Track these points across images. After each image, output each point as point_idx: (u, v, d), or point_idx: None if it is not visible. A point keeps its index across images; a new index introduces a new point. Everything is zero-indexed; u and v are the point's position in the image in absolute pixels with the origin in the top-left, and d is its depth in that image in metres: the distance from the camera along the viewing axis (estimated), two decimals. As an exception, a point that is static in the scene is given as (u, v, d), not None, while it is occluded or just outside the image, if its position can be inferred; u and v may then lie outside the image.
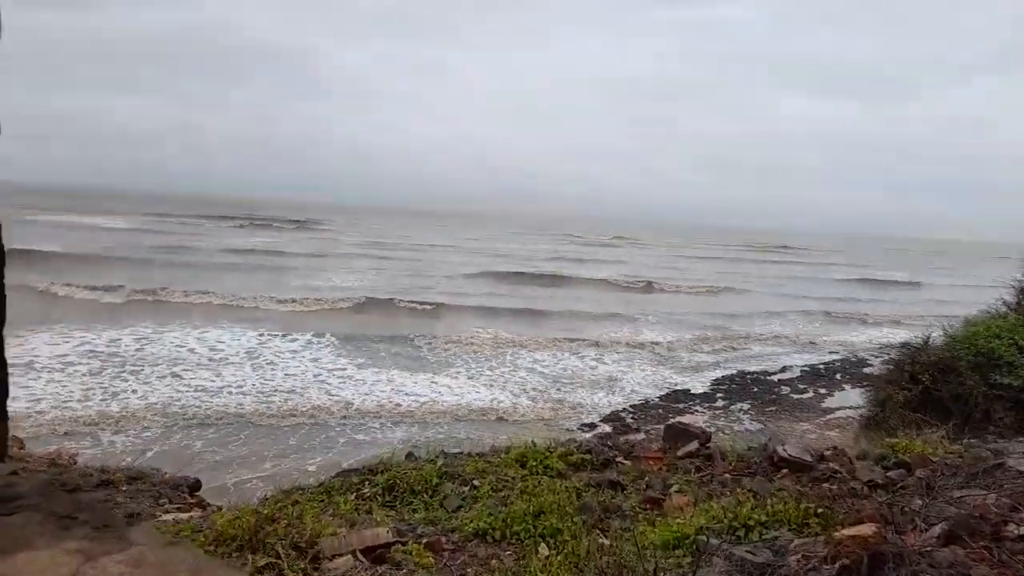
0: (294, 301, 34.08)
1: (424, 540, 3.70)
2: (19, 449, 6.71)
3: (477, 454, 5.09)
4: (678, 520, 3.43)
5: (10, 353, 5.02)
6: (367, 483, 4.64)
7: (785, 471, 4.44)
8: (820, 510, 3.23)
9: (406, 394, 19.50)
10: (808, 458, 4.49)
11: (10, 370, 5.06)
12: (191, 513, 4.56)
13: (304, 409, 17.57)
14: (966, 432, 10.69)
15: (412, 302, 34.51)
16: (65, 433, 14.91)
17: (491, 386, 21.26)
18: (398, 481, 4.49)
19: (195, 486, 5.35)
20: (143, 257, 46.11)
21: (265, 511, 3.90)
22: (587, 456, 4.80)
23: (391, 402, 18.68)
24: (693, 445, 4.94)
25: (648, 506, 4.03)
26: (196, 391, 18.44)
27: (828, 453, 4.66)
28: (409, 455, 5.22)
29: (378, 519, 4.05)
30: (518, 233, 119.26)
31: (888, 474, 3.98)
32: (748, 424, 19.27)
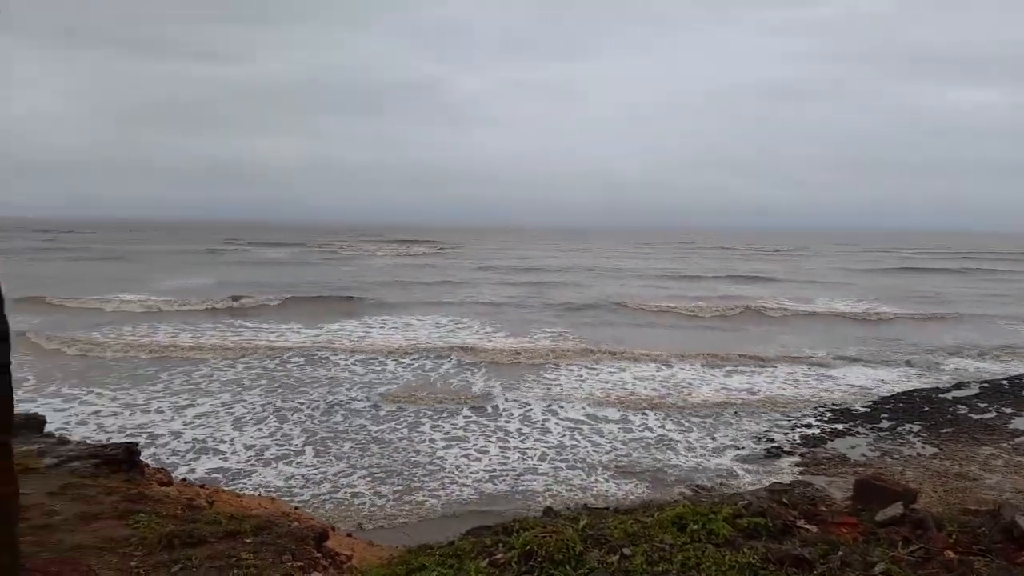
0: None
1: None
2: (159, 486, 6.76)
3: (625, 511, 4.40)
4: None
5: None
6: (501, 545, 4.10)
7: (1031, 550, 3.43)
8: None
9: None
10: (1063, 533, 3.45)
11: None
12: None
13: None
14: None
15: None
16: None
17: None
18: (536, 547, 3.91)
19: (322, 536, 5.04)
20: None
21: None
22: (760, 520, 3.98)
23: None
24: (896, 509, 3.98)
25: (849, 595, 3.18)
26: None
27: (1088, 525, 3.58)
28: (547, 511, 4.63)
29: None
30: (676, 248, 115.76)
31: None
32: (920, 448, 17.23)
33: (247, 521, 4.92)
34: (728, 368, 25.30)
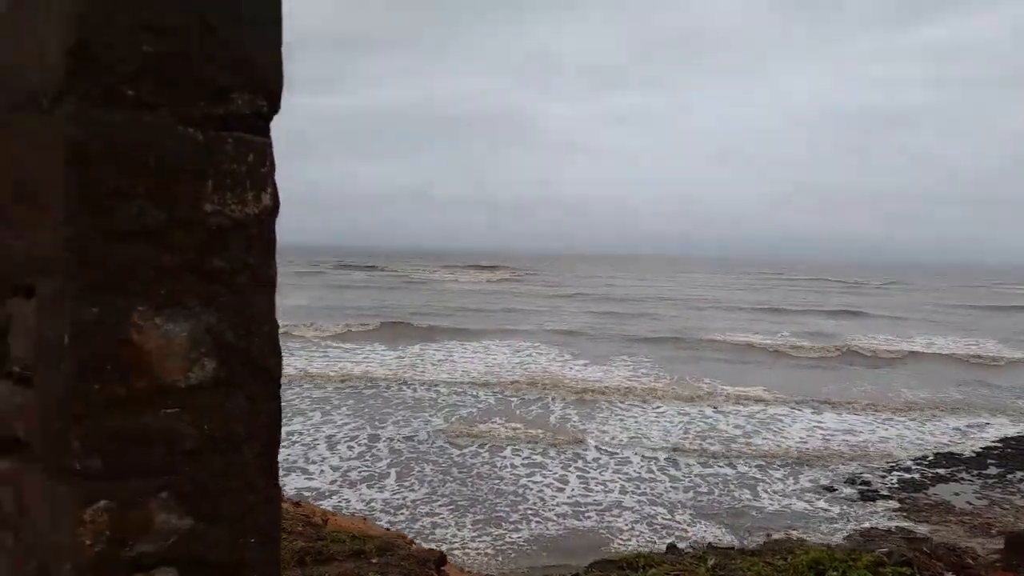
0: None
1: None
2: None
3: (752, 552, 4.28)
4: None
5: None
6: (628, 581, 4.07)
7: None
8: None
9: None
10: None
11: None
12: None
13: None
14: None
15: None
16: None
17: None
18: (667, 584, 3.86)
19: (440, 561, 5.12)
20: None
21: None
22: (905, 570, 3.82)
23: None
24: (1057, 566, 3.76)
25: (1017, 656, 3.01)
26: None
27: None
28: (671, 548, 4.57)
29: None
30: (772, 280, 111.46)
31: None
32: (1033, 498, 16.10)
33: (370, 542, 5.05)
34: (819, 407, 24.33)
